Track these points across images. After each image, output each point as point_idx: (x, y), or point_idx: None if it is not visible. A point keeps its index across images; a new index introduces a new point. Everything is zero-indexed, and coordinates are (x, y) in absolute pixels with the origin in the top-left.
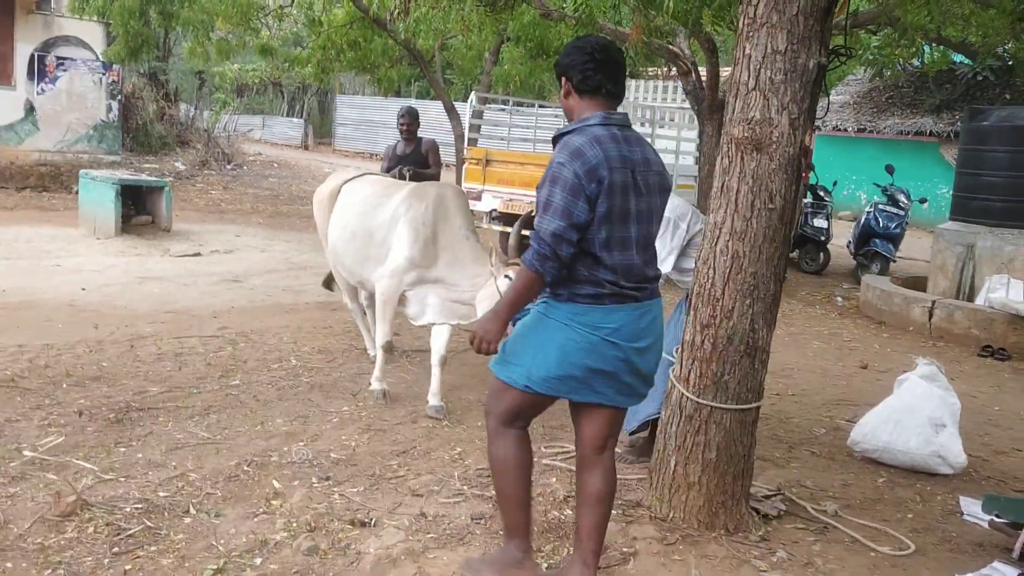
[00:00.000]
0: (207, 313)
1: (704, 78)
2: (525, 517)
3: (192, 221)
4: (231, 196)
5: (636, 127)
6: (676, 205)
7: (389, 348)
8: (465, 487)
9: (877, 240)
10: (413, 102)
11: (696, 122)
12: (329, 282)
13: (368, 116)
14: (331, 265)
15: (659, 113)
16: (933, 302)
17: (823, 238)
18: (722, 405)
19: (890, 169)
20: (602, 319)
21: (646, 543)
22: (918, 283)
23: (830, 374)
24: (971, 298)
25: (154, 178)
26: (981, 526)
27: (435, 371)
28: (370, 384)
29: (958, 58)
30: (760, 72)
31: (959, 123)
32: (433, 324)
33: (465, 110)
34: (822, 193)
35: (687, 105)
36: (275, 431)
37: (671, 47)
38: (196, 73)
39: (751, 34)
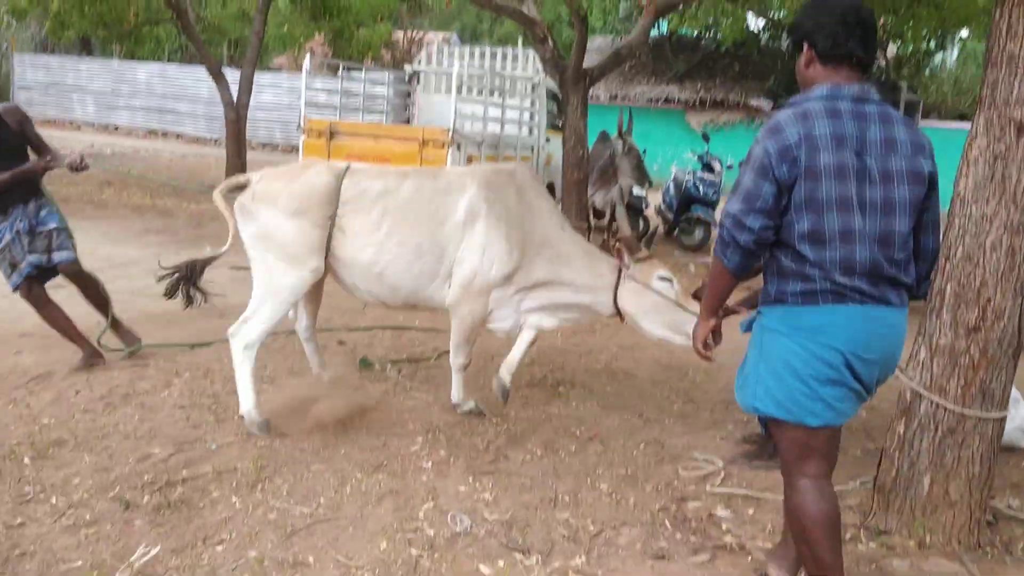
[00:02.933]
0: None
1: (574, 46)
2: (821, 570)
3: None
4: None
5: (481, 97)
6: None
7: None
8: (691, 536)
9: (698, 207)
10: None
11: (531, 91)
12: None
13: (59, 78)
14: (359, 284)
15: (508, 83)
16: None
17: (644, 205)
18: (988, 414)
19: (706, 137)
20: (819, 320)
21: None
22: None
23: None
24: None
25: None
26: None
27: (508, 371)
28: (459, 406)
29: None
30: None
31: (701, 91)
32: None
33: (294, 77)
34: (717, 165)
35: (524, 74)
36: (364, 490)
37: (524, 12)
38: None
39: None
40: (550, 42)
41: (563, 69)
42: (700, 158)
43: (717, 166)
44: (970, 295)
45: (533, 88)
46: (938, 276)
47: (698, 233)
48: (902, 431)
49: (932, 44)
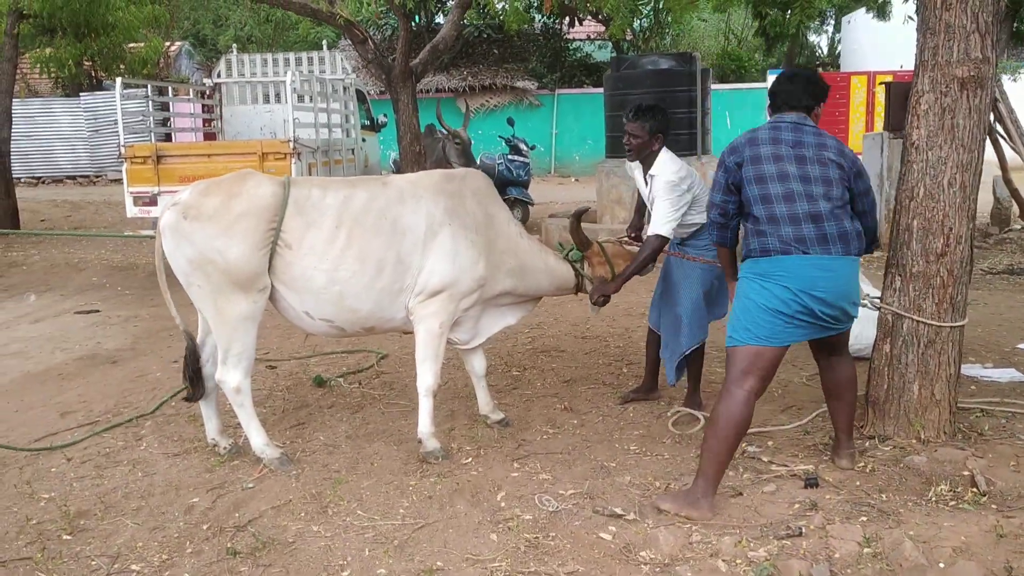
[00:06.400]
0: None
1: (399, 44)
2: (717, 469)
3: None
4: None
5: (310, 104)
6: (684, 174)
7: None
8: (744, 473)
9: (513, 189)
10: None
11: (344, 93)
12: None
13: None
14: (300, 314)
15: (331, 87)
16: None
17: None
18: (957, 324)
19: (511, 121)
20: (770, 267)
21: (975, 461)
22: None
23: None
24: None
25: None
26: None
27: (483, 383)
28: (422, 444)
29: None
30: (979, 15)
31: (468, 78)
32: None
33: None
34: (523, 147)
35: (337, 77)
36: (429, 494)
37: (346, 16)
38: None
39: None
40: (371, 43)
41: (389, 68)
42: (507, 142)
43: (523, 147)
44: (935, 227)
45: (345, 90)
46: (902, 214)
47: (518, 213)
48: (888, 350)
49: None
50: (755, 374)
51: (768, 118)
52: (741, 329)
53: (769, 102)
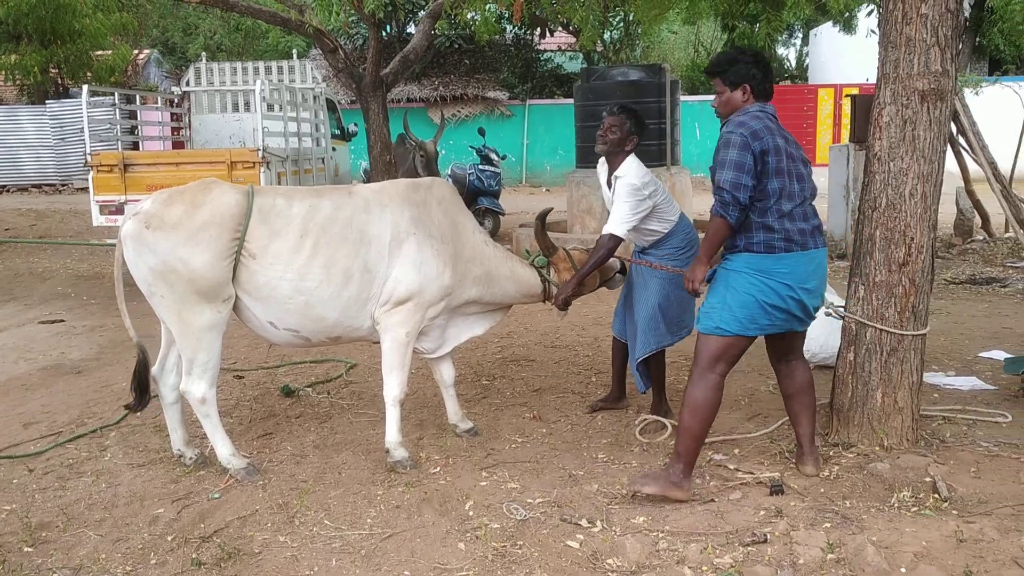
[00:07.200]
0: None
1: (369, 53)
2: (696, 450)
3: None
4: None
5: (280, 113)
6: (647, 180)
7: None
8: (711, 481)
9: (484, 198)
10: None
11: (314, 102)
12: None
13: None
14: (268, 324)
15: (300, 96)
16: None
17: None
18: (919, 332)
19: (482, 131)
20: (774, 265)
21: (937, 467)
22: (551, 228)
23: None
24: None
25: None
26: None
27: (451, 392)
28: (389, 453)
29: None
30: (939, 29)
31: (440, 88)
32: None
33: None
34: (494, 156)
35: (306, 86)
36: (396, 504)
37: (316, 25)
38: None
39: None
40: (341, 52)
41: (359, 78)
42: (479, 151)
43: (494, 157)
44: (897, 237)
45: (315, 99)
46: (865, 224)
47: (488, 223)
48: (852, 358)
49: None
50: (727, 360)
51: (749, 106)
52: (732, 321)
53: (750, 86)
